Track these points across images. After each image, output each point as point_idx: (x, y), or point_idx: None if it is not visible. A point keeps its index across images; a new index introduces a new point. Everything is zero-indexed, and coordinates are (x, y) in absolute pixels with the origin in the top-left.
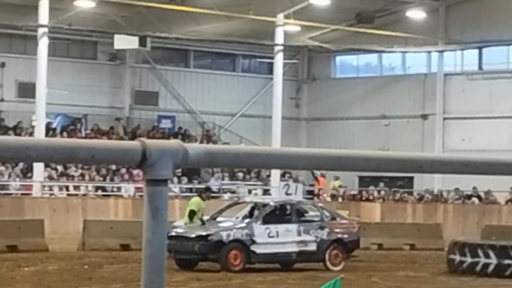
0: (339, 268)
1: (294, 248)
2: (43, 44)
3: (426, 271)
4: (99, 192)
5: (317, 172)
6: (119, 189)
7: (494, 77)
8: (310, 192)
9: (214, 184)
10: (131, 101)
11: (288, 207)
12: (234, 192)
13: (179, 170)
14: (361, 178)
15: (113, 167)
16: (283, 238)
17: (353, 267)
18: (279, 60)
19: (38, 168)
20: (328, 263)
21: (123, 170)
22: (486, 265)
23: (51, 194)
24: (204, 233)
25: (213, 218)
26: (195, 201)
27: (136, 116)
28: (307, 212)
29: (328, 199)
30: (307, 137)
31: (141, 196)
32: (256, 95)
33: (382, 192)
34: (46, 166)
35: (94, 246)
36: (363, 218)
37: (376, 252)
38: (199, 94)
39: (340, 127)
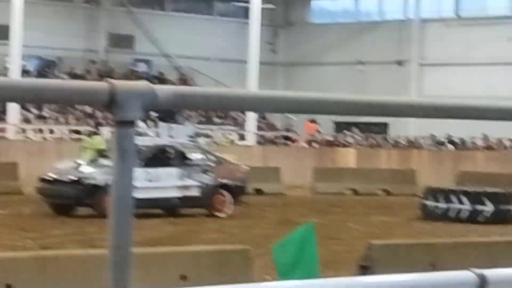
0: (224, 214)
1: (176, 193)
2: None
3: (400, 216)
4: (74, 136)
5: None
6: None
7: (471, 24)
8: (286, 137)
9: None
10: (107, 45)
11: (171, 150)
12: (209, 137)
13: (156, 114)
14: (337, 124)
15: (89, 110)
16: (163, 183)
17: (328, 212)
18: (255, 4)
19: (13, 110)
20: (212, 209)
21: (99, 114)
22: (459, 211)
23: (26, 137)
24: (78, 177)
25: (92, 161)
26: (101, 140)
27: (112, 59)
28: (191, 155)
29: (305, 145)
30: (284, 82)
31: None
32: (232, 38)
33: (357, 138)
34: (22, 108)
35: None
36: (339, 164)
37: (351, 197)
38: (175, 37)
39: (316, 73)
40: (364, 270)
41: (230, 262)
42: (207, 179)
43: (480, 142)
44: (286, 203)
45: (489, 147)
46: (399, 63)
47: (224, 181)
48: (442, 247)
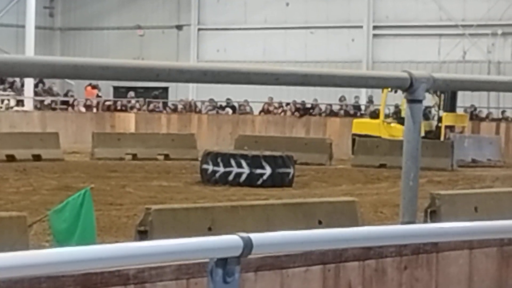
0: None
1: None
2: None
3: (179, 181)
4: None
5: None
6: None
7: None
8: (65, 102)
9: None
10: None
11: None
12: None
13: None
14: (116, 88)
15: None
16: None
17: (107, 177)
18: None
19: None
20: None
21: None
22: (238, 175)
23: None
24: None
25: None
26: None
27: None
28: None
29: (83, 109)
30: (62, 48)
31: None
32: (9, 3)
33: (133, 101)
34: None
35: None
36: (118, 129)
37: (131, 162)
38: None
39: (95, 38)
40: (142, 235)
41: (6, 230)
42: None
43: (259, 106)
44: (65, 169)
45: (267, 111)
46: (178, 27)
47: None
48: (219, 211)
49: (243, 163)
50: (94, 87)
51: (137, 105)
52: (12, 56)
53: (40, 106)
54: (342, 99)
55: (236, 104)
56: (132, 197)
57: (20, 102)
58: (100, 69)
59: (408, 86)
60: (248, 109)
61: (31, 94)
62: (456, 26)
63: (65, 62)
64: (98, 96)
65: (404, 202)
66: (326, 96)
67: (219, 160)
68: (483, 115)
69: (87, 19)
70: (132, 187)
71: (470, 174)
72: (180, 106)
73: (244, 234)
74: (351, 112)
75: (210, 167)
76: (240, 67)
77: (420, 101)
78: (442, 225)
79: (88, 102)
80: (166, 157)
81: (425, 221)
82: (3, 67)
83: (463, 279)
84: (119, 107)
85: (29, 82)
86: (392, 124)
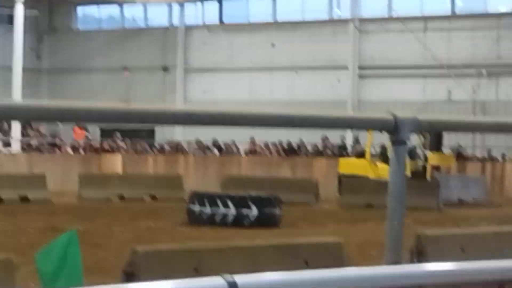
0: None
1: None
2: None
3: (166, 221)
4: None
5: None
6: None
7: (234, 30)
8: (52, 144)
9: None
10: None
11: None
12: None
13: None
14: (102, 130)
15: None
16: None
17: (94, 218)
18: (19, 11)
19: None
20: None
21: None
22: (225, 215)
23: None
24: None
25: None
26: None
27: None
28: None
29: (70, 151)
30: (48, 89)
31: None
32: None
33: (121, 143)
34: None
35: None
36: (105, 170)
37: (118, 203)
38: None
39: (83, 79)
40: (129, 276)
41: None
42: None
43: (245, 146)
44: (52, 210)
45: (253, 151)
46: (165, 69)
47: None
48: (206, 252)
49: (230, 203)
50: (82, 127)
51: (124, 146)
52: None
53: (27, 148)
54: (324, 139)
55: (222, 144)
56: (119, 238)
57: (7, 144)
58: (86, 113)
59: (393, 128)
60: (234, 149)
61: (18, 136)
62: (441, 67)
63: (51, 106)
64: (86, 137)
65: (389, 243)
66: (312, 135)
67: (205, 200)
68: (469, 154)
69: (74, 61)
70: (119, 228)
71: (456, 214)
72: (167, 147)
73: (228, 276)
74: (337, 152)
75: (196, 208)
76: (226, 110)
77: (404, 142)
78: (428, 266)
79: (75, 144)
80: (153, 198)
81: (410, 262)
82: None
83: None
84: (106, 148)
85: (16, 124)
86: (379, 164)
